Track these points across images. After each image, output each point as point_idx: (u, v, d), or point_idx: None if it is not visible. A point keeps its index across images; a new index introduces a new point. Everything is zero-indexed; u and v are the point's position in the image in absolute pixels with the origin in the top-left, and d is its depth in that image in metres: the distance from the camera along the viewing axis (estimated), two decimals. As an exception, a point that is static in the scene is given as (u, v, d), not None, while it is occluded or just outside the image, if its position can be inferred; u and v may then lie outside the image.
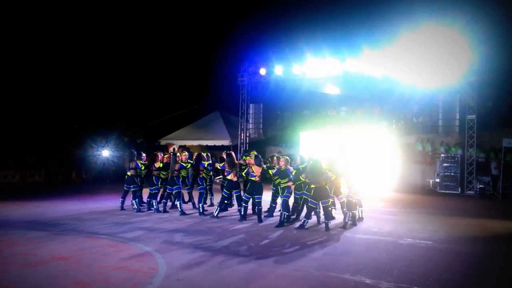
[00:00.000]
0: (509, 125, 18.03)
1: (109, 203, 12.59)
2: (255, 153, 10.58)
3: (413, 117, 21.02)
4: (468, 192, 16.02)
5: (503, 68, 16.71)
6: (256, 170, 9.73)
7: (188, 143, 22.67)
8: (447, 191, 16.44)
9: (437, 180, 17.09)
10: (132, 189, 11.24)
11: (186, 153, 11.80)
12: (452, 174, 16.53)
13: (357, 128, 18.57)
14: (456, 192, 16.26)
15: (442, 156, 16.93)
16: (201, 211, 10.64)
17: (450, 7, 16.58)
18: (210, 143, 21.99)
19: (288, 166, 9.90)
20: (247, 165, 10.37)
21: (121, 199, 11.41)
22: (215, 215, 10.15)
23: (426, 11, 16.47)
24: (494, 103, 18.72)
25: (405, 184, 17.66)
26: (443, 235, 8.56)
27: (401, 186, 17.13)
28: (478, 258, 7.02)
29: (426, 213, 11.62)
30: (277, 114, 24.04)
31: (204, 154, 11.59)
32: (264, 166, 10.11)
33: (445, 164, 16.69)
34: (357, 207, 9.72)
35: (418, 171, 18.79)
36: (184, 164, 11.00)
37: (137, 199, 11.28)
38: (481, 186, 16.09)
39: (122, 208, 11.29)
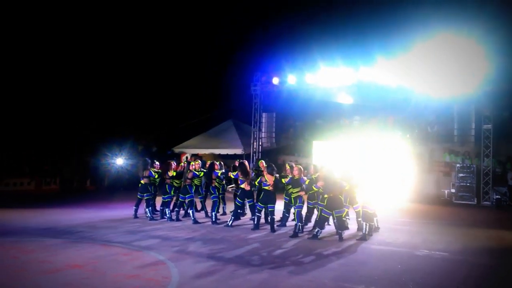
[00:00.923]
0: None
1: (123, 211, 12.68)
2: (264, 162, 10.61)
3: (427, 126, 20.77)
4: (485, 202, 15.73)
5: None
6: (269, 179, 9.73)
7: (201, 151, 22.77)
8: (463, 202, 16.16)
9: (453, 190, 16.83)
10: (145, 197, 11.33)
11: (199, 161, 11.88)
12: (468, 184, 16.27)
13: (371, 137, 18.43)
14: (472, 202, 15.98)
15: (458, 166, 16.68)
16: (213, 220, 10.64)
17: (465, 16, 16.46)
18: (223, 151, 22.04)
19: (302, 176, 9.87)
20: (260, 173, 10.38)
21: (134, 207, 11.50)
22: (229, 224, 10.14)
23: (441, 20, 16.38)
24: (511, 113, 18.41)
25: (420, 194, 17.39)
26: (459, 247, 8.41)
27: (415, 196, 16.90)
28: (495, 270, 6.87)
29: (441, 224, 11.44)
30: (289, 123, 23.99)
31: (217, 163, 11.61)
32: (277, 175, 10.10)
33: (460, 175, 16.45)
34: (374, 217, 9.62)
35: (432, 181, 18.52)
36: (197, 173, 11.05)
37: (150, 208, 11.36)
38: (497, 197, 15.80)
39: (135, 216, 11.37)
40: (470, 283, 6.05)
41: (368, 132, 19.55)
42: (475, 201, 16.00)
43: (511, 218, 13.10)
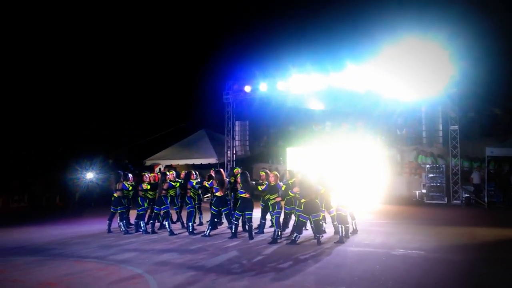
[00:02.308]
0: (491, 135, 18.44)
1: (95, 226, 12.33)
2: (239, 170, 10.59)
3: (396, 129, 21.30)
4: (455, 201, 16.20)
5: (482, 79, 17.14)
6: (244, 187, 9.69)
7: (174, 162, 22.51)
8: (434, 201, 16.59)
9: (423, 190, 17.25)
10: (119, 211, 11.04)
11: (174, 172, 11.72)
12: (438, 184, 16.72)
13: (342, 142, 18.71)
14: (443, 202, 16.43)
15: (428, 167, 17.13)
16: (191, 230, 10.49)
17: (430, 21, 17.04)
18: (197, 161, 21.87)
19: (278, 182, 9.89)
20: (235, 182, 10.35)
21: (108, 222, 11.19)
22: (206, 234, 10.01)
23: (407, 24, 16.85)
24: (476, 114, 19.14)
25: (392, 196, 17.77)
26: (434, 245, 8.60)
27: (388, 198, 17.23)
28: (470, 265, 7.06)
29: (415, 224, 11.68)
30: (263, 131, 24.08)
31: (194, 173, 11.47)
32: (253, 182, 10.09)
33: (430, 175, 16.89)
34: (350, 219, 9.72)
35: (403, 183, 18.93)
36: (173, 183, 10.88)
37: (124, 221, 11.08)
38: (466, 195, 16.31)
39: (109, 231, 11.07)
40: (448, 279, 6.17)
41: (339, 137, 19.85)
42: (446, 200, 16.45)
43: (480, 216, 13.50)
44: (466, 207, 15.69)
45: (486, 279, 6.26)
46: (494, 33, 18.71)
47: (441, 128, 16.95)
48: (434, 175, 16.82)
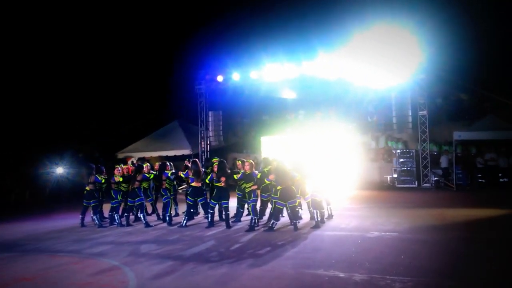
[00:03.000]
0: (459, 119, 19.06)
1: (68, 220, 12.02)
2: (218, 159, 10.54)
3: (367, 116, 21.68)
4: (425, 185, 16.70)
5: (449, 65, 17.64)
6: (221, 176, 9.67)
7: (147, 154, 22.14)
8: (405, 185, 17.05)
9: (395, 175, 17.69)
10: (92, 204, 10.78)
11: (148, 164, 11.56)
12: (409, 168, 17.17)
13: (316, 130, 18.90)
14: (414, 185, 16.91)
15: (398, 152, 17.54)
16: (168, 221, 10.39)
17: (399, 8, 17.31)
18: (170, 153, 21.57)
19: (253, 170, 9.91)
20: (211, 171, 10.30)
21: (80, 216, 10.93)
22: (183, 224, 9.94)
23: (377, 12, 17.12)
24: (443, 99, 19.69)
25: (365, 181, 18.16)
26: (407, 226, 8.85)
27: (361, 184, 17.59)
28: (441, 244, 7.31)
29: (388, 207, 11.98)
30: (236, 121, 24.00)
31: (168, 164, 11.32)
32: (229, 171, 10.07)
33: (401, 160, 17.31)
34: (325, 205, 9.87)
35: (375, 168, 19.36)
36: (147, 175, 10.72)
37: (98, 215, 10.85)
38: (436, 178, 16.84)
39: (82, 225, 10.82)
40: (421, 258, 6.37)
41: (313, 125, 20.06)
42: (416, 184, 16.93)
43: (449, 198, 13.97)
44: (435, 190, 16.20)
45: (455, 255, 6.50)
46: (460, 20, 19.22)
47: (410, 114, 17.36)
48: (405, 160, 17.26)
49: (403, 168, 17.25)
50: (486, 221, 9.47)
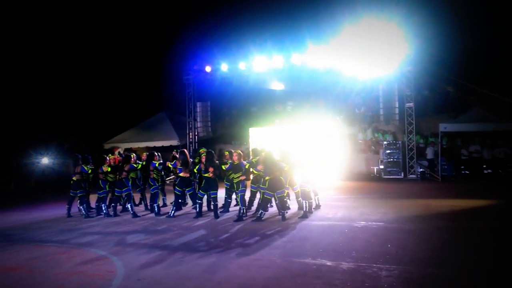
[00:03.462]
0: (444, 111, 19.29)
1: (54, 211, 11.89)
2: (205, 150, 10.52)
3: (355, 108, 21.84)
4: (411, 176, 16.91)
5: (436, 57, 17.80)
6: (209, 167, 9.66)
7: (134, 145, 21.95)
8: (391, 176, 17.24)
9: (381, 166, 17.86)
10: (78, 195, 10.69)
11: (134, 154, 11.49)
12: (395, 160, 17.35)
13: (304, 121, 18.95)
14: (400, 176, 17.11)
15: (385, 144, 17.69)
16: (156, 211, 10.36)
17: (386, 0, 17.37)
18: (158, 144, 21.43)
19: (242, 160, 9.92)
20: (200, 161, 10.30)
21: (67, 206, 10.82)
22: (171, 215, 9.93)
23: (365, 4, 17.13)
24: (430, 91, 19.90)
25: (352, 172, 18.33)
26: (393, 216, 8.97)
27: (348, 175, 17.75)
28: (426, 233, 7.44)
29: (374, 198, 12.12)
30: (225, 112, 23.96)
31: (156, 154, 11.24)
32: (217, 161, 10.06)
33: (388, 151, 17.47)
34: (313, 195, 9.94)
35: (362, 160, 19.54)
36: (134, 165, 10.65)
37: (84, 205, 10.75)
38: (421, 170, 17.07)
39: (69, 215, 10.73)
40: (407, 246, 6.47)
41: (301, 116, 20.11)
42: (402, 175, 17.13)
43: (434, 188, 14.18)
44: (421, 181, 16.43)
45: (440, 244, 6.63)
46: (447, 12, 19.38)
47: (397, 106, 17.51)
48: (391, 151, 17.41)
49: (389, 160, 17.42)
50: (471, 211, 9.64)
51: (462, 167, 17.17)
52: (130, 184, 10.57)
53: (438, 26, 18.41)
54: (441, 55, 18.12)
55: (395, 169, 17.33)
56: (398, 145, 17.41)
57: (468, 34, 20.02)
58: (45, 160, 18.97)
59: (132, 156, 10.98)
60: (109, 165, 10.76)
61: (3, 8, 23.75)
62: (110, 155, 11.34)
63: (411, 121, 16.92)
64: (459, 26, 19.64)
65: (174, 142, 20.89)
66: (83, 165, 10.77)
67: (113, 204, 10.74)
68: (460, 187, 14.47)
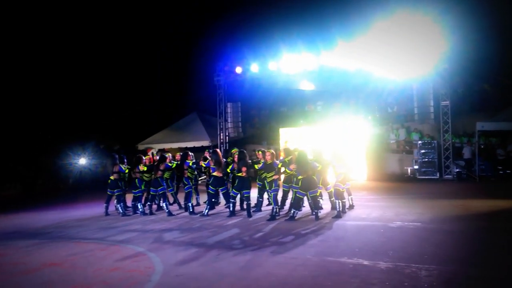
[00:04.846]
0: (481, 110, 18.65)
1: (92, 210, 12.30)
2: (237, 150, 10.62)
3: (387, 107, 21.46)
4: (446, 176, 16.44)
5: (472, 55, 17.23)
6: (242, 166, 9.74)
7: (167, 146, 22.38)
8: (426, 177, 16.82)
9: (416, 166, 17.45)
10: (116, 194, 11.01)
11: (169, 154, 11.71)
12: (430, 160, 16.93)
13: (335, 121, 18.78)
14: (435, 177, 16.66)
15: (420, 143, 17.28)
16: (190, 210, 10.53)
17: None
18: (190, 144, 21.77)
19: (274, 160, 9.95)
20: (232, 161, 10.41)
21: (105, 205, 11.18)
22: (205, 213, 10.07)
23: (397, 1, 16.78)
24: (466, 89, 19.30)
25: (385, 173, 18.01)
26: (430, 216, 8.76)
27: (380, 175, 17.46)
28: (466, 234, 7.23)
29: (409, 198, 11.86)
30: (255, 112, 24.06)
31: (191, 154, 11.43)
32: (250, 161, 10.14)
33: (422, 151, 17.06)
34: (347, 195, 9.86)
35: (395, 160, 19.17)
36: (169, 164, 10.86)
37: (122, 203, 11.07)
38: (458, 170, 16.58)
39: (106, 214, 11.07)
40: (446, 247, 6.32)
41: (332, 116, 19.94)
42: (438, 175, 16.69)
43: (472, 189, 13.76)
44: (458, 181, 15.97)
45: (481, 245, 6.43)
46: (483, 8, 18.73)
47: (432, 104, 17.06)
48: (426, 150, 16.99)
49: (424, 159, 17.00)
50: (510, 211, 9.29)
51: (500, 167, 16.57)
52: (165, 183, 10.80)
53: (475, 22, 17.82)
54: (478, 52, 17.52)
55: (430, 169, 16.90)
56: (433, 145, 16.97)
57: (506, 30, 19.28)
58: (82, 161, 19.62)
59: (167, 155, 11.21)
60: (145, 165, 11.04)
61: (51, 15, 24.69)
62: (147, 155, 11.62)
63: (447, 120, 16.45)
64: (497, 22, 18.95)
65: (206, 143, 21.15)
66: (120, 165, 11.08)
67: (148, 203, 11.00)
68: (499, 188, 13.97)
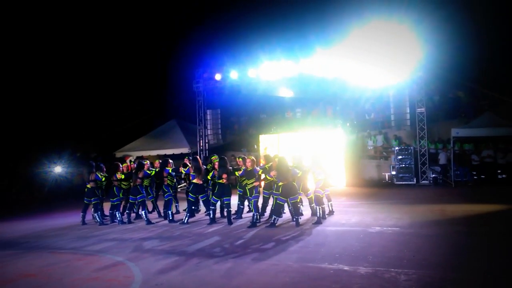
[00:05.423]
0: (456, 117, 19.17)
1: (69, 219, 12.02)
2: (217, 156, 10.59)
3: (365, 114, 21.80)
4: (423, 181, 16.76)
5: (447, 63, 17.70)
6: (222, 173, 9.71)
7: (145, 153, 22.13)
8: (403, 182, 17.11)
9: (393, 172, 17.74)
10: (93, 202, 10.78)
11: (148, 161, 11.57)
12: (407, 165, 17.24)
13: (314, 128, 18.96)
14: (412, 182, 16.97)
15: (397, 149, 17.59)
16: (170, 218, 10.41)
17: (396, 6, 17.30)
18: (169, 152, 21.58)
19: (255, 166, 9.95)
20: (212, 168, 10.36)
21: (81, 214, 10.94)
22: (185, 221, 9.96)
23: (374, 10, 17.08)
24: (441, 97, 19.79)
25: (362, 179, 18.24)
26: (408, 221, 8.90)
27: (360, 181, 17.68)
28: (443, 238, 7.36)
29: (387, 203, 12.03)
30: (234, 119, 24.07)
31: (170, 161, 11.32)
32: (230, 168, 10.11)
33: (399, 157, 17.37)
34: (326, 201, 9.92)
35: (373, 166, 19.46)
36: (148, 172, 10.72)
37: (99, 212, 10.84)
38: (434, 175, 16.93)
39: (83, 223, 10.83)
40: (424, 251, 6.42)
41: (310, 123, 20.14)
42: (414, 180, 17.00)
43: (448, 194, 14.05)
44: (434, 186, 16.30)
45: (458, 249, 6.56)
46: (457, 18, 19.32)
47: (408, 111, 17.41)
48: (403, 157, 17.30)
49: (401, 165, 17.31)
50: (486, 216, 9.54)
51: (474, 172, 17.01)
52: (144, 191, 10.64)
53: (449, 31, 18.35)
54: (453, 60, 18.03)
55: (407, 175, 17.20)
56: (410, 151, 17.30)
57: (480, 39, 19.94)
58: (58, 169, 19.18)
59: (145, 163, 11.06)
60: (123, 173, 10.87)
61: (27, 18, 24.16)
62: (125, 163, 11.45)
63: (423, 126, 16.81)
64: (470, 30, 19.58)
65: (185, 150, 21.02)
66: (97, 173, 10.87)
67: (127, 211, 10.81)
68: (474, 193, 14.32)
